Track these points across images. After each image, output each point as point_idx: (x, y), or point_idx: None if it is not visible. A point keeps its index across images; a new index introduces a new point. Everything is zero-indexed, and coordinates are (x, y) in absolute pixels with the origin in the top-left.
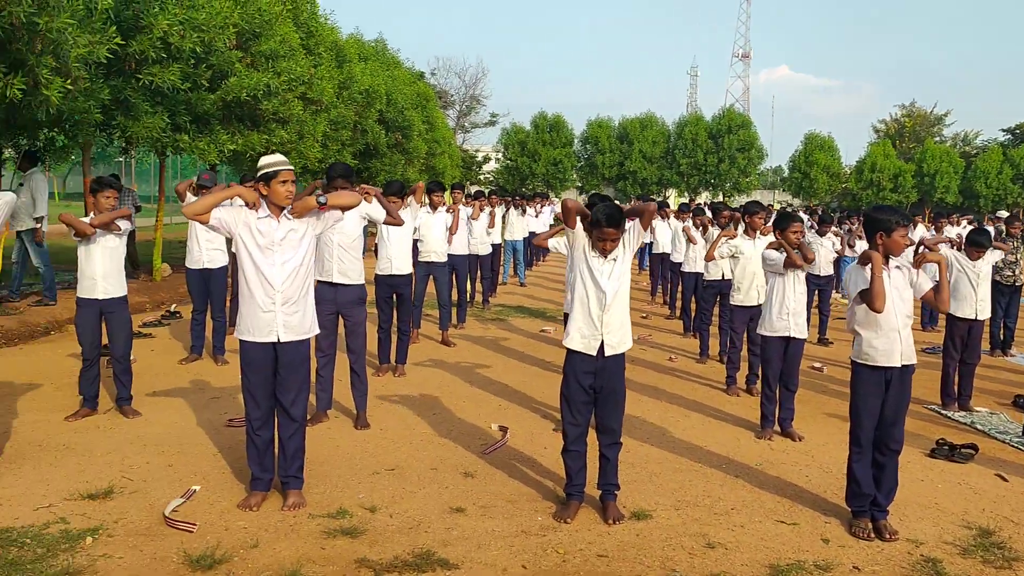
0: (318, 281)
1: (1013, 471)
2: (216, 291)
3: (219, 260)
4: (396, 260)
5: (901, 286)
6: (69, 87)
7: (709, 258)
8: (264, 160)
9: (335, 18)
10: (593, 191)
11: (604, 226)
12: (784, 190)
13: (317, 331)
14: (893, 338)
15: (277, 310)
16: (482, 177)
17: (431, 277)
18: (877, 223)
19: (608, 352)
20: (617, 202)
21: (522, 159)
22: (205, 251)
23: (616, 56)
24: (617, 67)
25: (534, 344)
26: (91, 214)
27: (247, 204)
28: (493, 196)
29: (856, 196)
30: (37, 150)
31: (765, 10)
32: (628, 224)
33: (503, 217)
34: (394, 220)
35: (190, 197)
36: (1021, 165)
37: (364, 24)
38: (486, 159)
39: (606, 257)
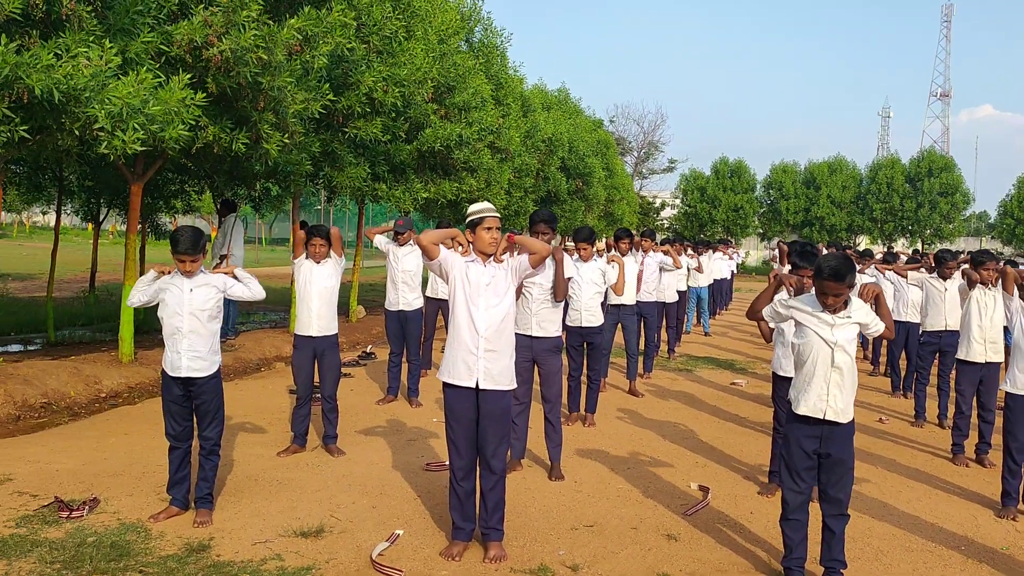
0: (516, 333)
1: None
2: (412, 333)
3: (415, 303)
4: (587, 312)
5: None
6: (286, 141)
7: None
8: (472, 208)
9: (522, 70)
10: (776, 237)
11: (826, 279)
12: (993, 237)
13: (515, 386)
14: None
15: (480, 355)
16: (659, 223)
17: (619, 324)
18: None
19: (831, 417)
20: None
21: (701, 205)
22: (402, 295)
23: (801, 99)
24: (802, 110)
25: (725, 397)
26: (302, 255)
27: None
28: (682, 243)
29: None
30: (235, 199)
31: (965, 48)
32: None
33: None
34: (557, 291)
35: (379, 239)
36: None
37: (547, 74)
38: (663, 205)
39: (833, 311)
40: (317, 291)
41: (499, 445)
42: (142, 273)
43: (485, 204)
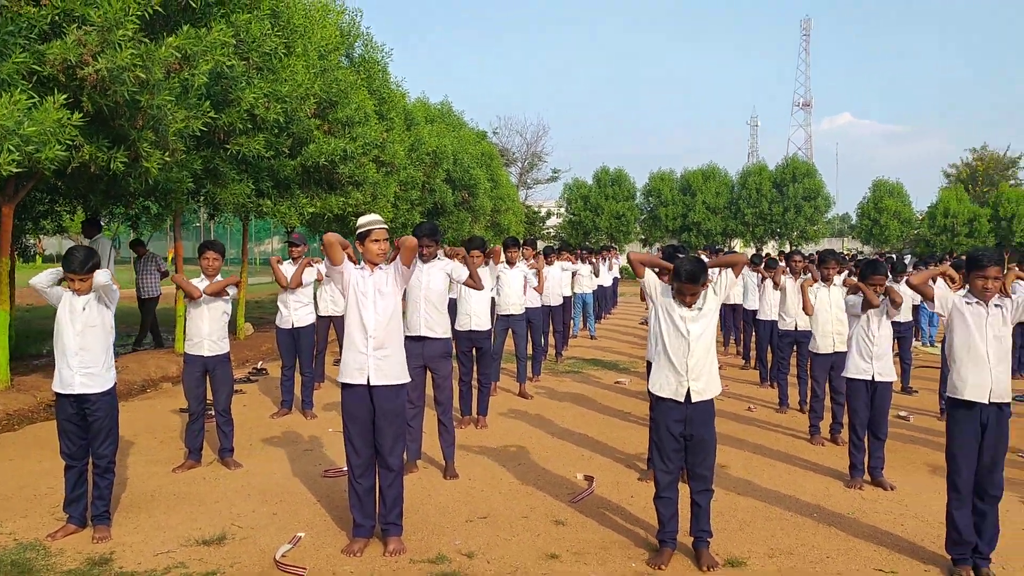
0: (406, 336)
1: None
2: (304, 347)
3: (307, 319)
4: (476, 316)
5: (997, 324)
6: (167, 159)
7: (808, 311)
8: (361, 220)
9: (404, 85)
10: (658, 243)
11: (684, 281)
12: (853, 237)
13: (407, 379)
14: (984, 372)
15: (370, 353)
16: (545, 232)
17: (509, 330)
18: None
19: (695, 398)
20: (702, 254)
21: (585, 213)
22: (294, 311)
23: (676, 109)
24: (677, 120)
25: (611, 395)
26: (201, 277)
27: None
28: (564, 252)
29: (930, 242)
30: (99, 217)
31: (824, 59)
32: (715, 273)
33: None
34: (475, 284)
35: (285, 267)
36: None
37: (430, 88)
38: (549, 214)
39: (689, 306)
40: (209, 310)
41: (395, 443)
42: (12, 298)
43: (373, 217)
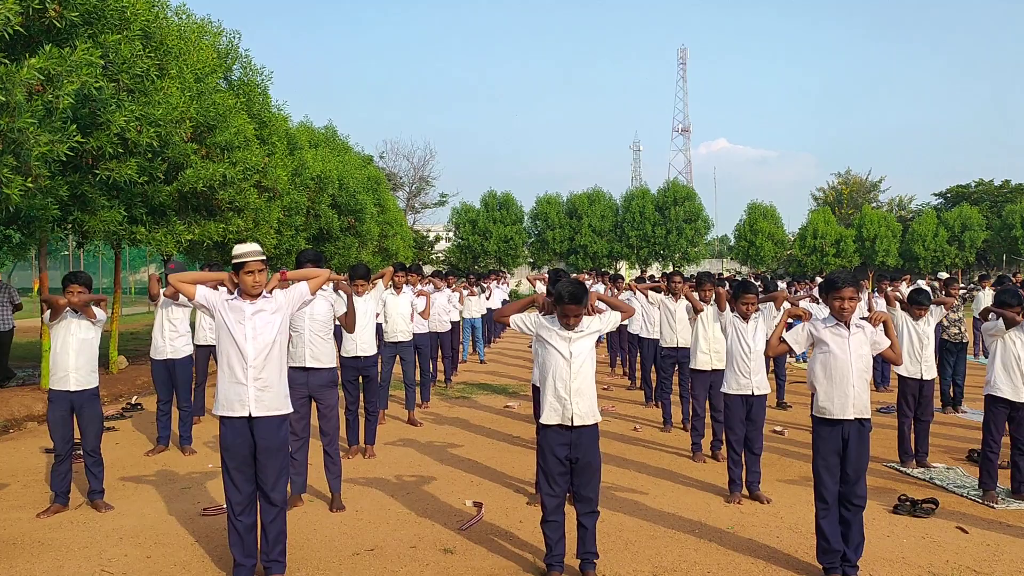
0: (290, 367)
1: (972, 523)
2: (181, 379)
3: (183, 351)
4: (361, 343)
5: (858, 345)
6: (29, 185)
7: (698, 309)
8: (236, 250)
9: (286, 108)
10: (546, 266)
11: (567, 303)
12: (732, 258)
13: (290, 409)
14: (847, 393)
15: (250, 384)
16: (434, 256)
17: (397, 357)
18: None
19: (578, 422)
20: (585, 277)
21: (473, 237)
22: (169, 342)
23: (561, 134)
24: (563, 144)
25: (500, 420)
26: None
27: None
28: (451, 277)
29: (801, 262)
30: None
31: (700, 86)
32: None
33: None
34: (347, 322)
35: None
36: (955, 227)
37: (313, 112)
38: (437, 239)
39: (571, 328)
40: (76, 343)
41: (279, 477)
42: None
43: (249, 247)
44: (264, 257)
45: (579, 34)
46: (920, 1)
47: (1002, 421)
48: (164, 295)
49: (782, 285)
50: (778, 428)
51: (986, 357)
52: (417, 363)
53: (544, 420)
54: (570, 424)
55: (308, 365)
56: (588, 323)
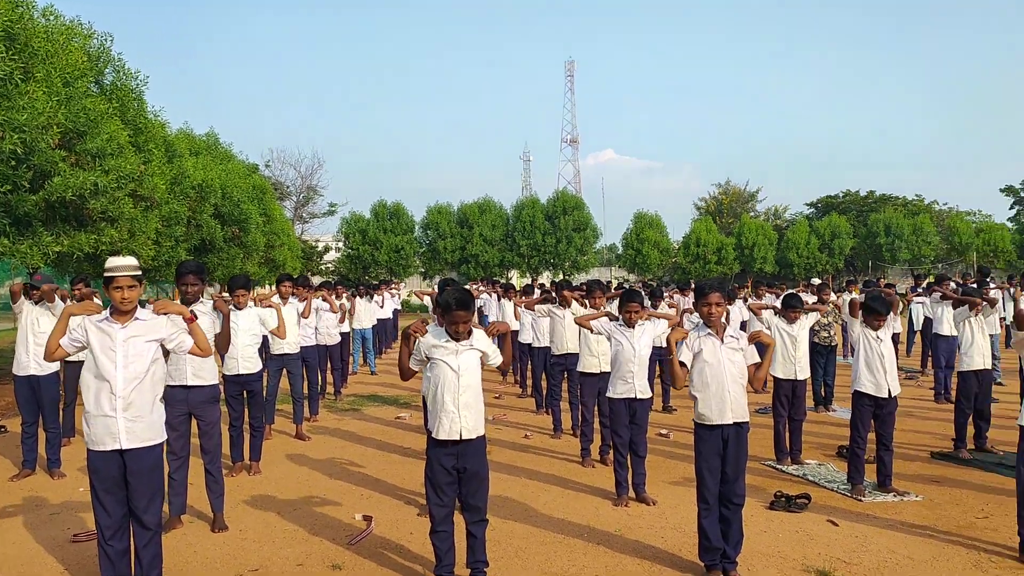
0: (170, 386)
1: (842, 516)
2: (47, 400)
3: (49, 367)
4: (244, 360)
5: (730, 350)
6: None
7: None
8: (108, 263)
9: (164, 114)
10: (438, 275)
11: (455, 309)
12: (620, 266)
13: (164, 438)
14: (724, 398)
15: (119, 415)
16: (323, 267)
17: (284, 370)
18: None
19: (467, 436)
20: (475, 286)
21: (364, 247)
22: (34, 357)
23: (451, 143)
24: (453, 154)
25: (391, 431)
26: None
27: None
28: (340, 287)
29: (685, 270)
30: None
31: (588, 98)
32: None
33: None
34: (220, 342)
35: (23, 302)
36: (826, 235)
37: (194, 119)
38: (327, 249)
39: (458, 339)
40: None
41: (152, 499)
42: None
43: (120, 261)
44: (136, 273)
45: (469, 45)
46: (796, 20)
47: (868, 418)
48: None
49: (771, 298)
50: (663, 431)
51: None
52: (305, 376)
53: (435, 435)
54: (458, 438)
55: (190, 383)
56: (477, 337)
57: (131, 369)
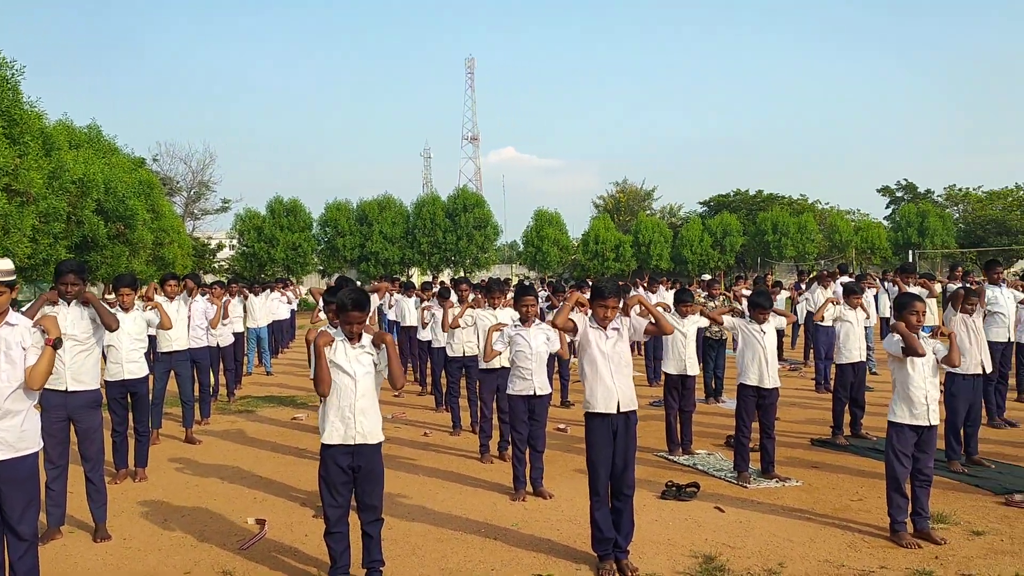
0: (48, 390)
1: (728, 503)
2: None
3: None
4: (128, 364)
5: (613, 343)
6: None
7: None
8: None
9: (41, 105)
10: (337, 273)
11: (351, 311)
12: (520, 263)
13: (39, 446)
14: (610, 387)
15: None
16: (217, 265)
17: (171, 372)
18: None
19: (361, 440)
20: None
21: (259, 245)
22: None
23: (351, 140)
24: (353, 151)
25: (287, 432)
26: None
27: None
28: (234, 285)
29: (585, 267)
30: None
31: (489, 95)
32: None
33: (244, 305)
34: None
35: None
36: (718, 233)
37: (74, 110)
38: (220, 246)
39: (353, 343)
40: None
41: (26, 509)
42: None
43: None
44: (9, 279)
45: (368, 40)
46: (691, 22)
47: (752, 408)
48: None
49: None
50: (561, 426)
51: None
52: (195, 377)
53: (326, 440)
54: (353, 443)
55: (70, 388)
56: (368, 341)
57: (4, 380)
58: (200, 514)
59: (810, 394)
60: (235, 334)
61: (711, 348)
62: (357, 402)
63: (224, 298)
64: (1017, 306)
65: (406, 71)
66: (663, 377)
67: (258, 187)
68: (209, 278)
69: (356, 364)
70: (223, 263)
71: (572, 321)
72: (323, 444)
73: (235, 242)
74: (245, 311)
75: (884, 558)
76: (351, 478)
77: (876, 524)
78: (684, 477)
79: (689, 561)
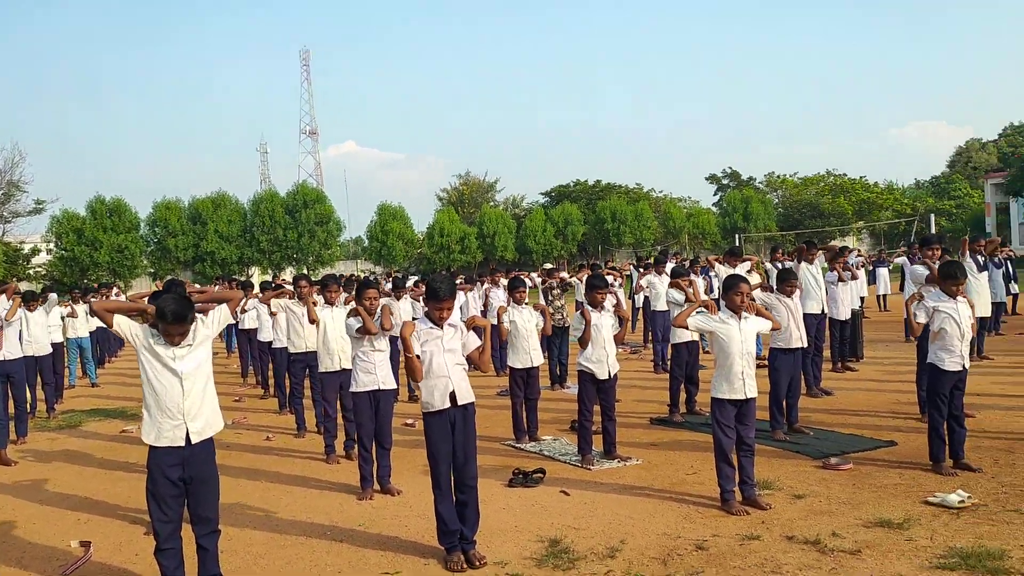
0: None
1: (573, 486)
2: None
3: None
4: None
5: (450, 340)
6: None
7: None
8: None
9: None
10: (170, 275)
11: (171, 323)
12: (366, 259)
13: None
14: (444, 383)
15: None
16: (32, 271)
17: None
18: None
19: (195, 439)
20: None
21: (80, 248)
22: None
23: (180, 135)
24: (181, 146)
25: (115, 447)
26: None
27: None
28: (75, 291)
29: (431, 260)
30: None
31: (327, 89)
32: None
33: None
34: None
35: None
36: (560, 222)
37: None
38: (35, 251)
39: (178, 344)
40: None
41: None
42: None
43: None
44: None
45: (197, 28)
46: (528, 16)
47: (592, 392)
48: None
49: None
50: (409, 421)
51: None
52: (9, 394)
53: (154, 443)
54: (183, 443)
55: None
56: (195, 333)
57: None
58: (15, 540)
59: (649, 375)
60: (54, 344)
61: (555, 336)
62: (185, 402)
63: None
64: (828, 283)
65: (239, 62)
66: (509, 368)
67: (76, 187)
68: (24, 285)
69: (183, 364)
70: (39, 268)
71: (412, 325)
72: (150, 449)
73: (52, 246)
74: (63, 319)
75: (716, 527)
76: (182, 490)
77: (709, 495)
78: (531, 464)
79: (536, 546)
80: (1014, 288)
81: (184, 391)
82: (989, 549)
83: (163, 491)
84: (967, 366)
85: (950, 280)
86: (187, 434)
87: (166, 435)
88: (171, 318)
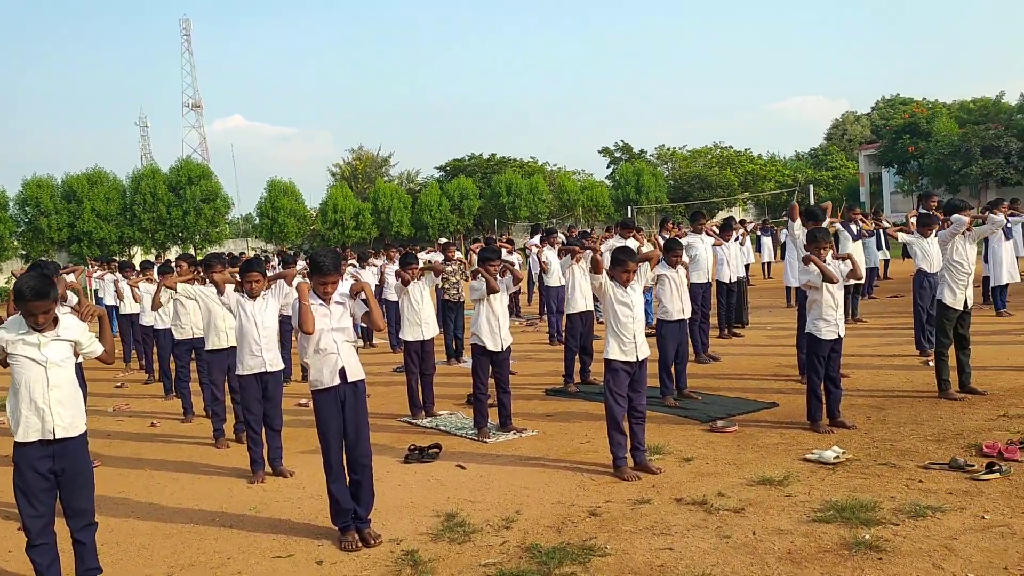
0: None
1: (470, 460)
2: None
3: None
4: None
5: (336, 315)
6: None
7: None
8: None
9: None
10: (44, 256)
11: (28, 300)
12: (256, 237)
13: None
14: (334, 359)
15: None
16: None
17: None
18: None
19: (62, 435)
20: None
21: None
22: None
23: (49, 109)
24: (51, 120)
25: None
26: None
27: None
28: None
29: (324, 237)
30: None
31: (210, 60)
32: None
33: None
34: None
35: None
36: (455, 197)
37: None
38: None
39: (42, 331)
40: None
41: None
42: None
43: None
44: None
45: None
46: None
47: (486, 366)
48: None
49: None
50: (303, 401)
51: None
52: None
53: (20, 437)
54: (52, 438)
55: None
56: (65, 326)
57: None
58: None
59: (544, 347)
60: None
61: (450, 310)
62: (51, 392)
63: None
64: (713, 250)
65: (114, 30)
66: (403, 344)
67: None
68: None
69: (48, 351)
70: None
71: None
72: (16, 444)
73: None
74: None
75: (609, 493)
76: (53, 483)
77: (602, 463)
78: (427, 439)
79: (431, 521)
80: (886, 254)
81: (50, 383)
82: (862, 501)
83: (32, 485)
84: (842, 334)
85: (812, 243)
86: (55, 428)
87: (34, 429)
88: (31, 295)
